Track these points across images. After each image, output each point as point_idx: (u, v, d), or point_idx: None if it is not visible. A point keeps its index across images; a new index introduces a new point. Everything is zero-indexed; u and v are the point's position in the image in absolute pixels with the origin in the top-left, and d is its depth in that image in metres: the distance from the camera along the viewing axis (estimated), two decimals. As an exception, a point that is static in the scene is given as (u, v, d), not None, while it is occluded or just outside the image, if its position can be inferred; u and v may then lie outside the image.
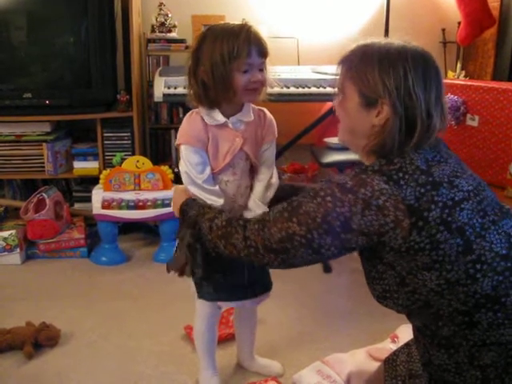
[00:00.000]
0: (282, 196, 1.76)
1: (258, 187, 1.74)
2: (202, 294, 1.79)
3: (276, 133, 1.77)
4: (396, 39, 1.33)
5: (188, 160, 1.64)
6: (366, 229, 1.23)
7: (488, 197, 1.31)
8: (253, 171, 1.76)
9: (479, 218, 1.25)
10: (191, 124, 1.66)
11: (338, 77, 1.39)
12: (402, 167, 1.25)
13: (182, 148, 1.66)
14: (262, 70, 1.61)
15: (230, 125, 1.66)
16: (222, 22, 1.63)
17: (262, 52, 1.59)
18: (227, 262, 1.59)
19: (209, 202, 1.61)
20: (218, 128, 1.65)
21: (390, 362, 1.61)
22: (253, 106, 1.72)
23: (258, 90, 1.63)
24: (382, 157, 1.30)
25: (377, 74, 1.27)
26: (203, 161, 1.65)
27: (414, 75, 1.25)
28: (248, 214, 1.68)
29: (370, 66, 1.29)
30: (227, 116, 1.66)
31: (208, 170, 1.65)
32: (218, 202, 1.63)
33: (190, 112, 1.69)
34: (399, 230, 1.21)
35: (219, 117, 1.65)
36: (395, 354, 1.63)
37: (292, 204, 1.33)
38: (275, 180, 1.77)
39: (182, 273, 1.66)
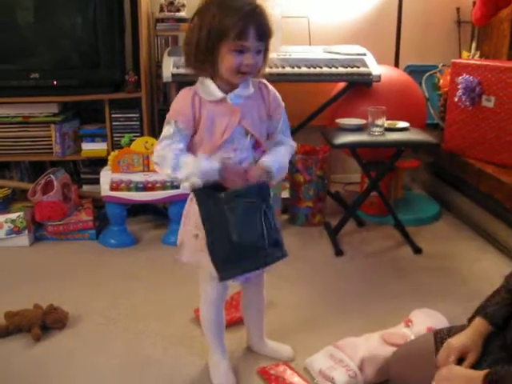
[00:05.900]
0: None
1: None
2: (222, 275, 1.66)
3: (282, 103, 1.73)
4: None
5: (164, 132, 1.62)
6: None
7: None
8: (258, 147, 1.70)
9: None
10: (179, 99, 1.64)
11: None
12: None
13: (165, 122, 1.65)
14: (260, 51, 1.55)
15: (229, 100, 1.60)
16: None
17: (262, 34, 1.52)
18: (243, 221, 1.58)
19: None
20: (215, 104, 1.60)
21: (442, 335, 1.63)
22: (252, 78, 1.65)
23: (249, 73, 1.57)
24: None
25: None
26: (180, 139, 1.61)
27: None
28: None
29: None
30: (225, 91, 1.60)
31: (182, 147, 1.62)
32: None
33: (185, 87, 1.65)
34: None
35: (217, 92, 1.59)
36: (447, 328, 1.67)
37: None
38: (293, 143, 1.81)
39: None
